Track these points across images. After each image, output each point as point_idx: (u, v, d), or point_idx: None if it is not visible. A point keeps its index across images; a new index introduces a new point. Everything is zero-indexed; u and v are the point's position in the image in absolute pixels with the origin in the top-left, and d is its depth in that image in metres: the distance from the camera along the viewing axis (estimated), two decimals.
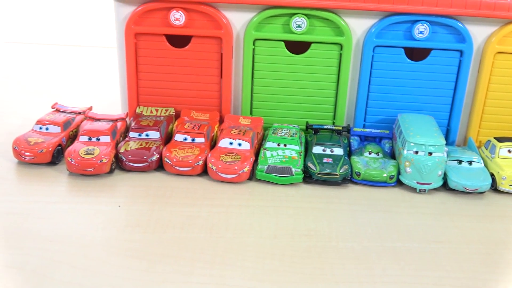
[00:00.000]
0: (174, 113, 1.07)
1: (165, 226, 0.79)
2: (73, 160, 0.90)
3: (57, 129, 0.99)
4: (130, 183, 0.91)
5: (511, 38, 0.99)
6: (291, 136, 0.98)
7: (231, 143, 0.96)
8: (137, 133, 0.99)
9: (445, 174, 0.92)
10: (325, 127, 1.05)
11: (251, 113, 1.08)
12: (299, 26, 1.00)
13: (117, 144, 0.97)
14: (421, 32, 1.00)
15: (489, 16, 0.98)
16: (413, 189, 0.93)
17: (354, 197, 0.90)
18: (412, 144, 0.91)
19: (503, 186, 0.92)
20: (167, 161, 0.93)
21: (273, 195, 0.89)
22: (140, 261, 0.71)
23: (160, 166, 0.95)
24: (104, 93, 1.32)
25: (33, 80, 1.42)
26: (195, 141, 0.97)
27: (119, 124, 1.02)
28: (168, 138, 1.02)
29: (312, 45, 1.02)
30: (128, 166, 0.94)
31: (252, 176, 0.94)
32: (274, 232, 0.79)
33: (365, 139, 1.04)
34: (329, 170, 0.92)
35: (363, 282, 0.69)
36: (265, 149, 0.96)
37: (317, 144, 0.98)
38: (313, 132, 1.05)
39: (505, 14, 0.97)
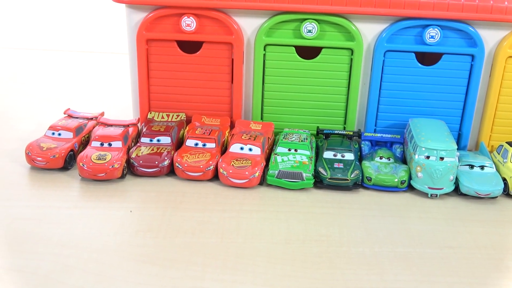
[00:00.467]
0: (185, 119, 1.08)
1: (176, 231, 0.79)
2: (85, 166, 0.91)
3: (70, 135, 1.00)
4: (142, 188, 0.91)
5: None
6: (301, 141, 0.98)
7: (242, 148, 0.96)
8: (148, 139, 0.99)
9: (456, 179, 0.92)
10: (336, 132, 1.05)
11: (261, 118, 1.09)
12: (309, 31, 1.00)
13: (128, 149, 0.98)
14: (432, 37, 0.99)
15: (500, 20, 0.97)
16: (424, 194, 0.92)
17: (365, 202, 0.90)
18: (423, 149, 0.91)
19: None
20: (178, 166, 0.93)
21: (284, 200, 0.89)
22: (152, 266, 0.71)
23: (171, 171, 0.95)
24: (115, 98, 1.33)
25: (45, 86, 1.43)
26: (206, 146, 0.97)
27: (130, 129, 1.02)
28: (179, 143, 1.02)
29: (323, 50, 1.02)
30: (139, 171, 0.94)
31: (263, 181, 0.94)
32: (285, 237, 0.79)
33: (376, 144, 1.03)
34: (340, 175, 0.92)
35: (375, 287, 0.69)
36: (276, 154, 0.96)
37: (328, 149, 0.98)
38: (324, 137, 1.05)
39: None
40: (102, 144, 0.96)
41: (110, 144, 0.96)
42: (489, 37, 1.00)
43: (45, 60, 1.68)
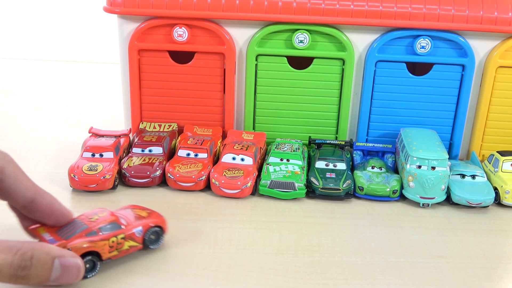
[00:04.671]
0: (177, 129, 1.08)
1: (168, 241, 0.78)
2: (76, 177, 0.90)
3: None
4: (133, 199, 0.91)
5: None
6: (294, 151, 0.99)
7: (234, 158, 0.96)
8: (140, 149, 0.99)
9: (448, 188, 0.92)
10: (327, 141, 1.05)
11: (254, 128, 1.09)
12: (301, 41, 1.01)
13: (120, 160, 0.97)
14: (423, 47, 1.00)
15: (490, 30, 0.98)
16: (416, 204, 0.92)
17: (357, 212, 0.90)
18: (415, 158, 0.91)
19: (506, 200, 0.92)
20: (170, 176, 0.93)
21: (276, 210, 0.89)
22: (143, 277, 0.70)
23: (163, 181, 0.95)
24: (107, 108, 1.33)
25: (36, 96, 1.42)
26: (198, 157, 0.97)
27: (122, 140, 1.02)
28: (171, 154, 1.02)
29: (315, 60, 1.03)
30: (131, 182, 0.94)
31: (255, 191, 0.94)
32: (278, 247, 0.79)
33: (368, 153, 1.04)
34: (332, 185, 0.92)
35: None
36: (268, 164, 0.96)
37: (320, 159, 0.98)
38: (316, 147, 1.05)
39: (507, 29, 0.98)
40: (93, 155, 0.96)
41: (101, 155, 0.96)
42: (479, 47, 1.01)
43: (37, 70, 1.67)
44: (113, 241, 0.69)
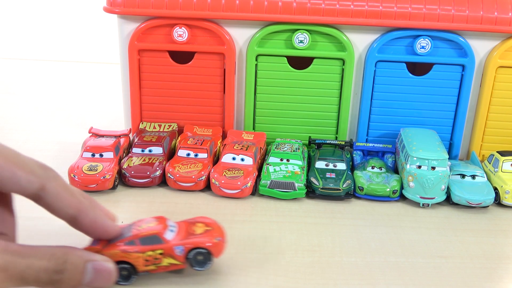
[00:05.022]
0: (177, 129, 1.08)
1: None
2: (76, 177, 0.91)
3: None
4: (133, 199, 0.91)
5: None
6: (294, 151, 0.99)
7: (234, 158, 0.96)
8: (140, 149, 0.99)
9: (448, 188, 0.92)
10: (327, 142, 1.05)
11: (254, 128, 1.09)
12: (301, 41, 1.01)
13: (120, 160, 0.97)
14: (423, 47, 1.00)
15: (490, 30, 0.98)
16: (416, 204, 0.92)
17: (357, 212, 0.90)
18: (415, 158, 0.91)
19: (506, 200, 0.92)
20: (170, 176, 0.93)
21: (276, 210, 0.89)
22: (142, 277, 0.70)
23: (163, 181, 0.95)
24: (107, 109, 1.33)
25: (36, 96, 1.42)
26: (198, 157, 0.97)
27: (122, 140, 1.02)
28: (171, 154, 1.02)
29: (315, 60, 1.03)
30: (131, 182, 0.94)
31: (255, 191, 0.94)
32: (277, 247, 0.79)
33: (368, 153, 1.04)
34: (332, 185, 0.92)
35: None
36: (268, 164, 0.96)
37: (320, 159, 0.98)
38: (316, 147, 1.05)
39: (507, 29, 0.98)
40: (93, 155, 0.96)
41: (101, 155, 0.96)
42: (479, 47, 1.01)
43: (37, 70, 1.67)
44: (149, 255, 0.67)
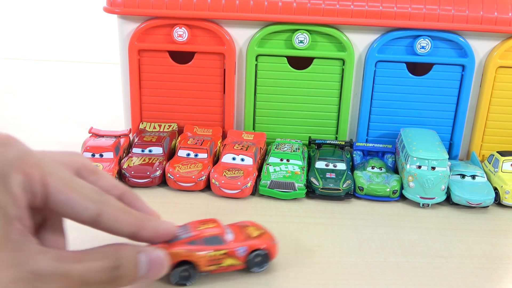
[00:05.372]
0: (177, 129, 1.08)
1: None
2: None
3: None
4: None
5: None
6: (294, 151, 0.99)
7: (234, 159, 0.96)
8: (140, 149, 0.99)
9: (448, 188, 0.92)
10: (327, 142, 1.05)
11: (254, 128, 1.09)
12: (301, 41, 1.01)
13: (120, 160, 0.97)
14: (423, 47, 1.00)
15: (490, 30, 0.98)
16: (416, 204, 0.92)
17: (357, 212, 0.90)
18: (415, 158, 0.91)
19: (506, 200, 0.92)
20: (170, 176, 0.93)
21: (276, 210, 0.89)
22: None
23: (163, 181, 0.95)
24: (107, 109, 1.33)
25: (37, 96, 1.43)
26: (198, 157, 0.97)
27: (122, 140, 1.02)
28: (171, 154, 1.02)
29: (315, 60, 1.03)
30: (131, 182, 0.94)
31: (255, 192, 0.94)
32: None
33: (368, 153, 1.04)
34: (332, 185, 0.92)
35: None
36: (268, 164, 0.96)
37: (320, 159, 0.98)
38: (316, 147, 1.05)
39: (507, 29, 0.98)
40: (93, 155, 0.96)
41: (101, 155, 0.96)
42: (479, 47, 1.01)
43: (37, 70, 1.68)
44: (213, 255, 0.67)
